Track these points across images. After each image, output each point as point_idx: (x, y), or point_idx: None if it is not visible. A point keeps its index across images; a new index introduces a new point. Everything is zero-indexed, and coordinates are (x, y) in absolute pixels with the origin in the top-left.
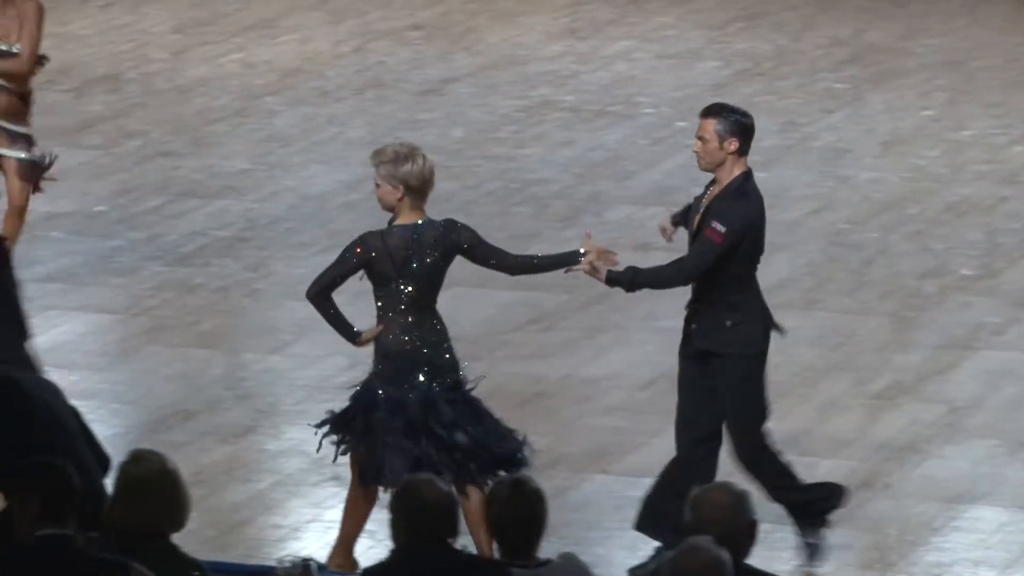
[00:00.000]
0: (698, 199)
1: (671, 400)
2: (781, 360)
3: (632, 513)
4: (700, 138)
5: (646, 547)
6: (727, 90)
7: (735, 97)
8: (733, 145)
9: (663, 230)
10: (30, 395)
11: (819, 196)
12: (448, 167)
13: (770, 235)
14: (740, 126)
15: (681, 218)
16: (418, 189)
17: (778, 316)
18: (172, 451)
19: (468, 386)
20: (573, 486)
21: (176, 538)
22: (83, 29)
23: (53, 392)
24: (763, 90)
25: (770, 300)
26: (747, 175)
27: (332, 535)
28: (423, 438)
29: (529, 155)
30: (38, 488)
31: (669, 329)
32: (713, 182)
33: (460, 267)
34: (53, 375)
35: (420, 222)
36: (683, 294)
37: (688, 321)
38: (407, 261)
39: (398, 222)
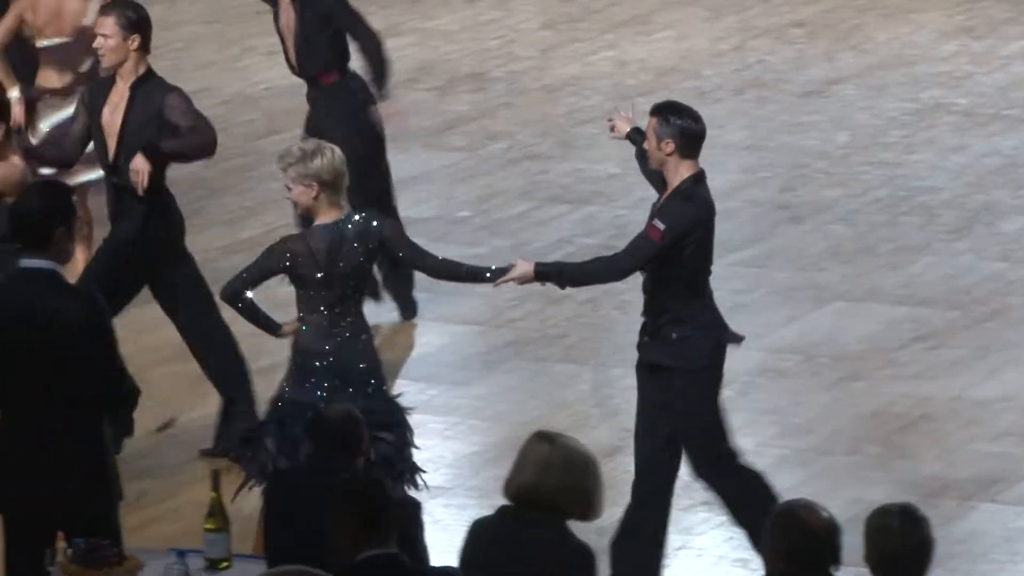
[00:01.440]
0: (654, 204)
1: None
2: None
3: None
4: (646, 136)
5: None
6: None
7: None
8: (669, 147)
9: (612, 127)
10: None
11: None
12: (832, 173)
13: None
14: (677, 129)
15: (639, 148)
16: (332, 183)
17: None
18: None
19: (386, 394)
20: (960, 515)
21: None
22: (448, 25)
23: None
24: None
25: None
26: (696, 178)
27: (704, 563)
28: None
29: (918, 161)
30: (355, 508)
31: None
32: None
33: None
34: (410, 389)
35: (341, 218)
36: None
37: (640, 334)
38: (332, 262)
39: (319, 221)
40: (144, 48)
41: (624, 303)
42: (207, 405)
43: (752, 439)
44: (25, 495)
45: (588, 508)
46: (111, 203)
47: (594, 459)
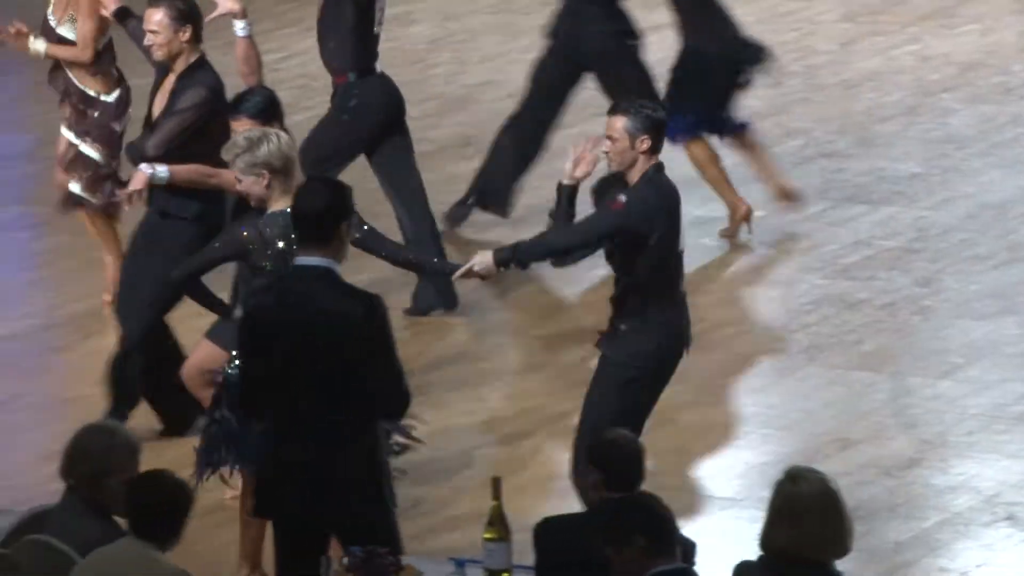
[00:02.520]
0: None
1: None
2: None
3: None
4: (609, 138)
5: None
6: None
7: None
8: (645, 144)
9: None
10: None
11: None
12: None
13: None
14: (652, 122)
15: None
16: (283, 169)
17: None
18: None
19: None
20: None
21: None
22: (744, 16)
23: None
24: None
25: None
26: (657, 167)
27: None
28: None
29: None
30: (640, 525)
31: None
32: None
33: None
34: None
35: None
36: None
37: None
38: (286, 250)
39: (272, 209)
40: (196, 39)
41: (925, 308)
42: (481, 411)
43: None
44: (297, 501)
45: (843, 549)
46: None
47: (841, 495)
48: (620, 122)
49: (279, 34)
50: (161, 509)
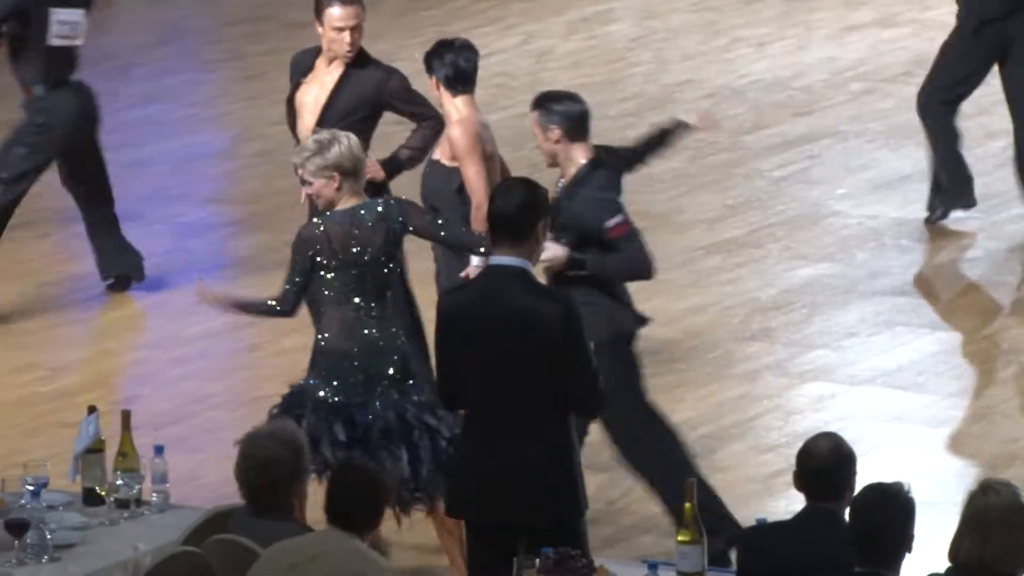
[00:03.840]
0: (558, 184)
1: None
2: None
3: None
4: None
5: None
6: None
7: None
8: (555, 134)
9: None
10: None
11: None
12: None
13: None
14: (560, 115)
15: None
16: (352, 171)
17: None
18: None
19: (420, 394)
20: None
21: None
22: (946, 16)
23: None
24: None
25: None
26: (593, 164)
27: None
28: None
29: None
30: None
31: None
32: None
33: None
34: (897, 397)
35: (360, 202)
36: None
37: None
38: (349, 247)
39: (338, 208)
40: None
41: None
42: (676, 414)
43: None
44: (492, 501)
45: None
46: None
47: None
48: (534, 117)
49: (477, 32)
50: (362, 500)
